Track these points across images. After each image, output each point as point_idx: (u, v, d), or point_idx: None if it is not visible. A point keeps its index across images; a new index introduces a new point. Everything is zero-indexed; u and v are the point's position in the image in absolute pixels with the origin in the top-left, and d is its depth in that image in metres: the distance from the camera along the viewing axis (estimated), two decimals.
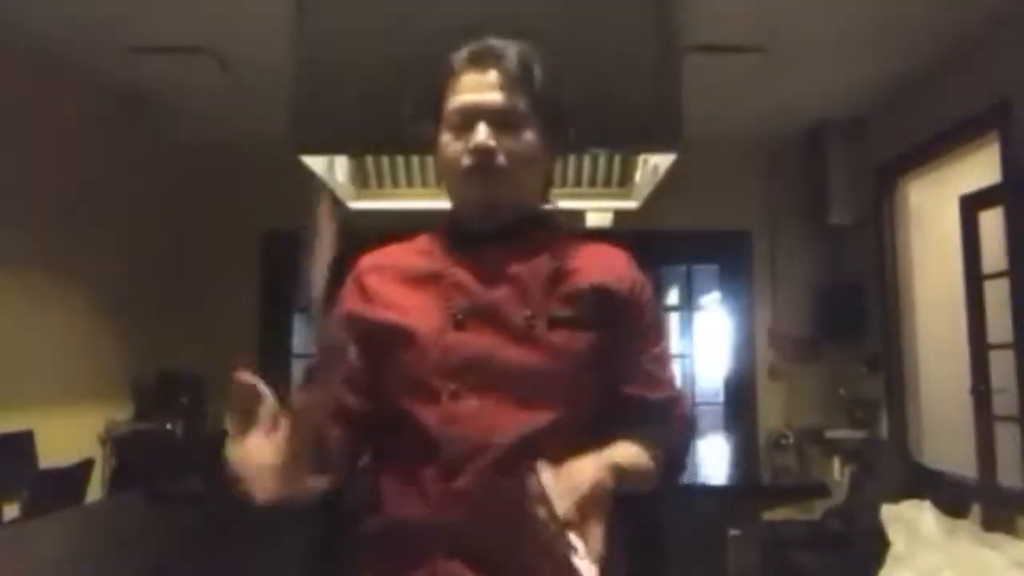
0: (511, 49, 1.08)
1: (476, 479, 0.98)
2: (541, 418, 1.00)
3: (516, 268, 1.06)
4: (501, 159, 1.04)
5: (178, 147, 4.82)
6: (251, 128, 4.28)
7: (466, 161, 1.05)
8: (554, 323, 1.03)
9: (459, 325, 1.03)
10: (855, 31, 3.48)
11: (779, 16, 3.33)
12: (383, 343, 1.05)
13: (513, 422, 0.99)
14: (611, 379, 1.08)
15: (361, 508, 1.06)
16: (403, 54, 2.12)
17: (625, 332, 1.08)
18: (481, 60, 1.07)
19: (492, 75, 1.06)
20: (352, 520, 1.08)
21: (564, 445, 0.98)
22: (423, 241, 1.15)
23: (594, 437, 1.02)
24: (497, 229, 1.09)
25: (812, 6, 3.24)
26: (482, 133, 1.04)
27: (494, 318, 1.03)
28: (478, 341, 1.02)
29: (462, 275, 1.06)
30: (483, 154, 1.04)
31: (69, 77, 3.79)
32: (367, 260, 1.14)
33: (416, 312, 1.05)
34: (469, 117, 1.05)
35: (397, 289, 1.09)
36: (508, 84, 1.05)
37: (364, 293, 1.10)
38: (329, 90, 2.23)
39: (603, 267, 1.10)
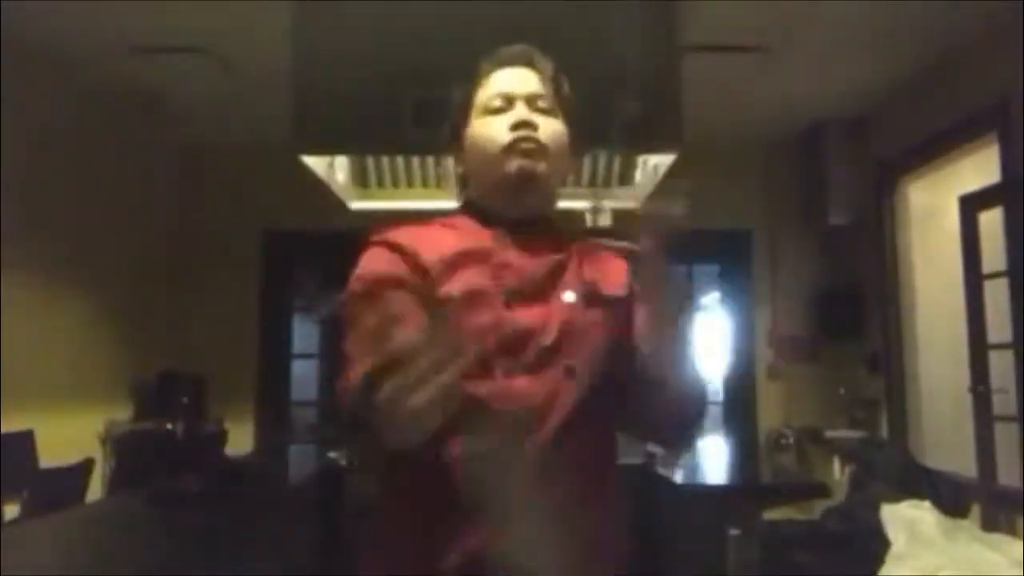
0: (541, 54, 1.19)
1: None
2: (585, 395, 1.05)
3: (551, 253, 1.12)
4: (542, 134, 1.11)
5: (179, 147, 4.81)
6: (252, 128, 4.29)
7: (507, 136, 1.10)
8: (591, 302, 1.09)
9: (508, 303, 1.05)
10: (855, 31, 3.48)
11: (780, 16, 3.33)
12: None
13: (562, 399, 1.03)
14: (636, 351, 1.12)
15: (405, 489, 1.06)
16: (403, 56, 2.13)
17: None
18: (515, 60, 1.17)
19: (527, 70, 1.16)
20: (351, 519, 1.08)
21: (605, 420, 1.09)
22: (455, 222, 1.15)
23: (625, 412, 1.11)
24: (524, 218, 1.13)
25: (812, 6, 3.24)
26: (522, 109, 1.12)
27: (539, 297, 1.07)
28: (527, 319, 1.05)
29: (509, 255, 1.09)
30: (526, 126, 1.10)
31: (70, 77, 3.79)
32: (403, 235, 1.09)
33: (468, 289, 1.04)
34: (508, 100, 1.13)
35: (446, 266, 1.05)
36: (542, 77, 1.16)
37: (414, 266, 1.05)
38: (330, 91, 2.24)
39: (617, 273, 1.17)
